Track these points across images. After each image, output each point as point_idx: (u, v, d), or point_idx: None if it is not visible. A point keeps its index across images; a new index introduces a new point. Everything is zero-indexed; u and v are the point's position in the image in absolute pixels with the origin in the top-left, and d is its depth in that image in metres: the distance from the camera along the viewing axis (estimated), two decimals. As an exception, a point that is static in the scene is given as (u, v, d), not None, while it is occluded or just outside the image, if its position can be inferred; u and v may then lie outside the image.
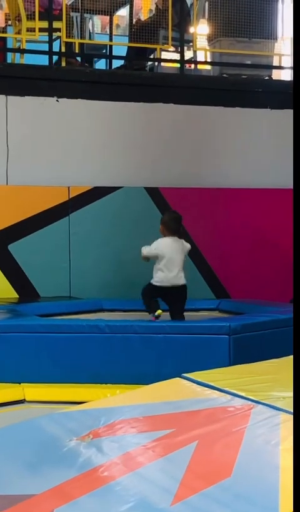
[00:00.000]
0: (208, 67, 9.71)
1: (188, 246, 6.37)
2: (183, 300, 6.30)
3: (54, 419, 3.49)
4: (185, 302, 6.34)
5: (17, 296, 7.85)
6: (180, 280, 6.21)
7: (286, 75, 10.20)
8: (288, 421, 2.95)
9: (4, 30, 10.10)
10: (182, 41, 8.83)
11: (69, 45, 8.59)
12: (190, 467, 2.69)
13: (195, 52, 9.14)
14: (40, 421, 3.50)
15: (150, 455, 2.87)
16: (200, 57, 9.37)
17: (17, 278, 7.91)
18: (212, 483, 2.54)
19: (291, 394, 3.04)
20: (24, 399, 5.31)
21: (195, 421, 3.15)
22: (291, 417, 2.92)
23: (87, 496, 2.61)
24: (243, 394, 3.39)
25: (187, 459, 2.76)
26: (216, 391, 3.50)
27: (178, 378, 3.84)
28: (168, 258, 6.17)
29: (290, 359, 4.07)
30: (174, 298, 6.24)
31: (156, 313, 6.10)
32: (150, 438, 3.02)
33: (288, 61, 9.49)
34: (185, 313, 6.77)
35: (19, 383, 5.47)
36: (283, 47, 9.60)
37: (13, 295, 7.85)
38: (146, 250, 6.21)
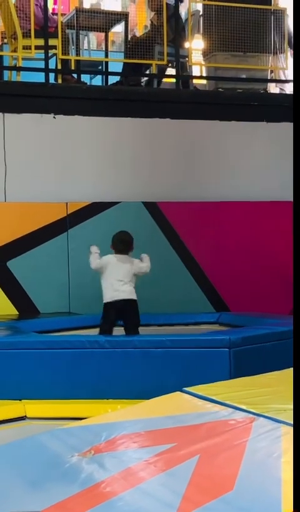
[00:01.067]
0: (204, 81, 9.76)
1: (140, 266, 6.34)
2: (130, 314, 6.23)
3: (55, 435, 3.49)
4: (134, 317, 6.23)
5: (17, 312, 7.85)
6: (122, 294, 6.17)
7: (280, 88, 10.27)
8: (289, 433, 2.95)
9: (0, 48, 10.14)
10: (178, 56, 8.88)
11: (64, 62, 8.63)
12: (193, 481, 2.69)
13: (190, 66, 9.18)
14: (42, 438, 3.50)
15: (152, 470, 2.87)
16: (196, 72, 9.41)
17: (17, 295, 7.91)
18: (215, 497, 2.54)
19: (292, 406, 3.04)
20: (25, 416, 5.29)
21: (196, 435, 3.14)
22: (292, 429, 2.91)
23: (90, 511, 2.60)
24: (244, 407, 3.39)
25: (189, 473, 2.75)
26: (217, 405, 3.50)
27: (179, 392, 3.84)
28: (108, 273, 6.19)
29: (290, 371, 4.07)
30: (122, 313, 6.21)
31: None
32: (152, 453, 3.02)
33: (284, 74, 9.55)
34: (185, 326, 6.80)
35: (20, 400, 5.46)
36: (278, 60, 9.66)
37: (13, 311, 7.85)
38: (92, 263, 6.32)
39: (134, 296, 6.17)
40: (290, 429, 2.96)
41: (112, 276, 6.16)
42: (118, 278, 6.15)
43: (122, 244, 6.32)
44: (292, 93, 8.27)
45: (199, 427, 3.23)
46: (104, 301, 6.19)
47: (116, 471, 2.90)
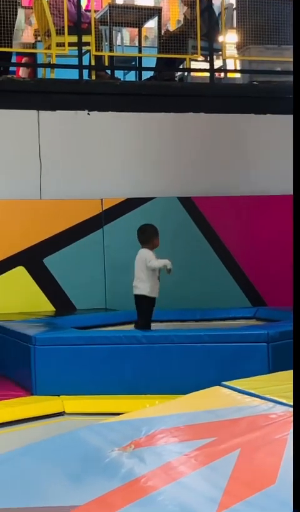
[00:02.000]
0: (238, 75, 9.70)
1: (141, 254, 6.25)
2: (139, 309, 6.19)
3: (95, 430, 3.49)
4: (142, 312, 6.19)
5: (54, 309, 7.88)
6: (135, 290, 6.15)
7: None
8: None
9: (34, 46, 10.19)
10: (212, 50, 8.83)
11: (98, 59, 8.63)
12: (234, 475, 2.67)
13: (224, 60, 9.12)
14: (82, 433, 3.50)
15: (193, 464, 2.85)
16: (230, 65, 9.35)
17: (53, 291, 7.94)
18: (257, 491, 2.51)
19: None
20: (64, 412, 5.31)
21: (237, 429, 3.12)
22: None
23: (130, 506, 2.60)
24: (284, 401, 3.35)
25: (230, 467, 2.73)
26: (257, 399, 3.47)
27: (218, 387, 3.82)
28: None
29: None
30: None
31: None
32: (192, 447, 3.00)
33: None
34: (222, 322, 6.76)
35: (58, 396, 5.47)
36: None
37: (50, 308, 7.89)
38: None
39: (138, 292, 6.13)
40: None
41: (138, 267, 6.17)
42: (135, 273, 6.13)
43: (140, 235, 6.27)
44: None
45: (239, 421, 3.21)
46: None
47: (156, 466, 2.89)
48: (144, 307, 6.11)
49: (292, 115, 8.38)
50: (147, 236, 6.24)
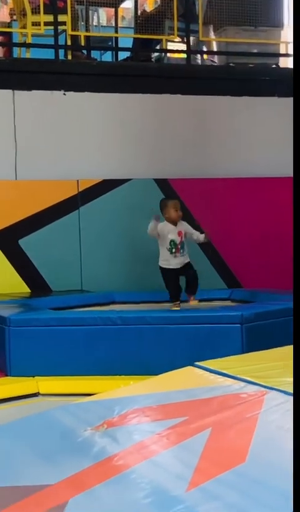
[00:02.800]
0: (214, 57, 9.68)
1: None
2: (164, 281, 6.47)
3: (68, 410, 3.50)
4: (165, 284, 6.47)
5: (29, 290, 7.87)
6: None
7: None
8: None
9: (9, 25, 10.10)
10: (188, 31, 8.80)
11: (74, 39, 8.57)
12: (205, 453, 2.69)
13: (201, 42, 9.10)
14: (55, 413, 3.51)
15: (165, 443, 2.88)
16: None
17: (29, 273, 7.93)
18: (227, 469, 2.54)
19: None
20: (38, 393, 5.32)
21: (208, 409, 3.15)
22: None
23: (103, 484, 2.62)
24: (256, 380, 3.38)
25: (201, 446, 2.76)
26: (229, 379, 3.50)
27: (191, 367, 3.84)
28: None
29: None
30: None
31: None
32: (164, 426, 3.02)
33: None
34: (197, 303, 6.81)
35: (33, 376, 5.48)
36: (289, 34, 9.55)
37: (25, 289, 7.87)
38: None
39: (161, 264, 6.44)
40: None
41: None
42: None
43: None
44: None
45: (210, 400, 3.23)
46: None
47: (129, 445, 2.91)
48: (164, 278, 6.38)
49: (267, 97, 8.31)
50: (161, 210, 6.47)
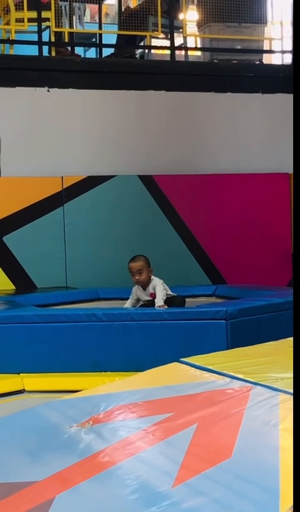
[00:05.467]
0: (198, 53, 9.69)
1: None
2: None
3: (53, 407, 3.50)
4: None
5: (14, 287, 7.85)
6: None
7: (277, 59, 10.19)
8: (286, 401, 2.96)
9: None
10: (172, 28, 8.80)
11: (58, 35, 8.55)
12: (190, 449, 2.70)
13: (185, 38, 9.11)
14: (40, 409, 3.51)
15: (150, 439, 2.88)
16: (191, 43, 9.34)
17: (13, 270, 7.91)
18: (213, 465, 2.55)
19: (289, 375, 3.06)
20: (24, 389, 5.30)
21: (194, 405, 3.15)
22: (290, 397, 2.93)
23: (89, 481, 2.62)
24: (241, 376, 3.39)
25: (187, 441, 2.76)
26: (214, 374, 3.50)
27: (176, 363, 3.84)
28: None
29: (287, 341, 4.09)
30: None
31: None
32: (150, 422, 3.03)
33: (278, 45, 9.47)
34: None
35: (18, 373, 5.47)
36: (273, 31, 9.58)
37: (10, 286, 7.85)
38: (162, 297, 6.06)
39: None
40: (288, 397, 2.98)
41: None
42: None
43: None
44: (290, 63, 8.21)
45: (196, 396, 3.24)
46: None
47: (115, 441, 2.91)
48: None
49: (251, 94, 8.32)
50: None
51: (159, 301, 5.98)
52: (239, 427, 2.81)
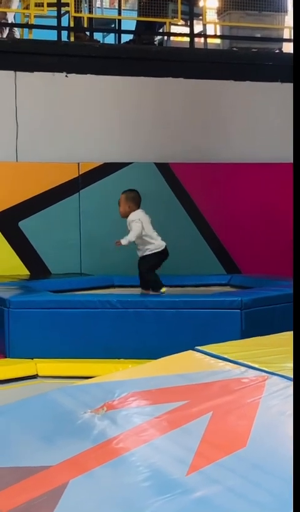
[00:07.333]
0: (218, 40, 9.62)
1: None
2: None
3: (68, 392, 3.50)
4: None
5: (29, 273, 7.85)
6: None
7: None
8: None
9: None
10: (192, 14, 8.74)
11: (77, 20, 8.51)
12: (205, 437, 2.69)
13: (204, 25, 9.05)
14: (55, 394, 3.51)
15: (165, 426, 2.87)
16: (210, 30, 9.28)
17: (28, 255, 7.91)
18: (228, 453, 2.54)
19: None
20: (37, 375, 5.32)
21: (209, 393, 3.14)
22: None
23: (102, 467, 2.62)
24: (257, 365, 3.38)
25: (201, 430, 2.75)
26: (230, 363, 3.49)
27: (191, 351, 3.83)
28: (147, 227, 6.07)
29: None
30: (161, 263, 6.19)
31: (162, 290, 6.04)
32: (164, 410, 3.02)
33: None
34: (197, 288, 6.79)
35: (32, 359, 5.48)
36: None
37: (24, 271, 7.86)
38: (134, 233, 5.98)
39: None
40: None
41: (150, 227, 6.08)
42: (153, 229, 6.08)
43: (140, 198, 6.21)
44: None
45: (211, 385, 3.23)
46: (152, 251, 6.07)
47: (128, 428, 2.91)
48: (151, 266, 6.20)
49: (270, 82, 8.26)
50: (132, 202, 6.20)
51: (124, 240, 5.91)
52: (255, 416, 2.80)
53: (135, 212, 6.07)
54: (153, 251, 6.07)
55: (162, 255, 6.11)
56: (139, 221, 6.00)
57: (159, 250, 6.08)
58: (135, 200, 6.14)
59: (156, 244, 6.07)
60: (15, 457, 2.85)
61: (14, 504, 2.42)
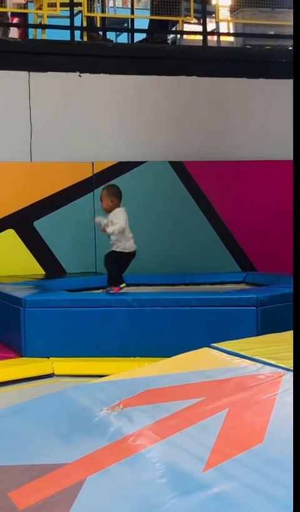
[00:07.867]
0: (231, 38, 9.61)
1: None
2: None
3: (83, 390, 3.51)
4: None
5: (44, 272, 7.87)
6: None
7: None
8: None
9: (25, 6, 10.05)
10: (205, 12, 8.73)
11: (90, 20, 8.52)
12: (222, 434, 2.69)
13: (217, 23, 9.03)
14: (71, 393, 3.52)
15: (181, 423, 2.88)
16: (223, 28, 9.26)
17: (43, 255, 7.93)
18: (244, 449, 2.54)
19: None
20: (53, 373, 5.33)
21: (225, 389, 3.14)
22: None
23: (119, 464, 2.62)
24: (273, 362, 3.38)
25: (218, 426, 2.76)
26: (246, 360, 3.49)
27: (207, 348, 3.83)
28: (127, 226, 6.05)
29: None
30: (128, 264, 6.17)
31: (122, 286, 6.00)
32: (181, 407, 3.02)
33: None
34: (211, 286, 6.78)
35: (48, 357, 5.49)
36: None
37: (39, 271, 7.88)
38: (118, 227, 5.92)
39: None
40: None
41: (128, 227, 6.07)
42: (130, 230, 6.08)
43: (121, 194, 6.20)
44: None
45: (227, 381, 3.23)
46: (124, 250, 6.04)
47: (145, 425, 2.91)
48: (117, 262, 6.13)
49: (284, 79, 8.24)
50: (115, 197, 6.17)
51: (109, 229, 5.90)
52: (271, 412, 2.80)
53: (122, 209, 6.07)
54: (125, 251, 6.04)
55: (130, 256, 6.10)
56: (124, 218, 6.00)
57: (130, 251, 6.06)
58: (117, 194, 6.15)
59: (129, 244, 6.05)
60: (32, 455, 2.86)
61: (31, 501, 2.43)
